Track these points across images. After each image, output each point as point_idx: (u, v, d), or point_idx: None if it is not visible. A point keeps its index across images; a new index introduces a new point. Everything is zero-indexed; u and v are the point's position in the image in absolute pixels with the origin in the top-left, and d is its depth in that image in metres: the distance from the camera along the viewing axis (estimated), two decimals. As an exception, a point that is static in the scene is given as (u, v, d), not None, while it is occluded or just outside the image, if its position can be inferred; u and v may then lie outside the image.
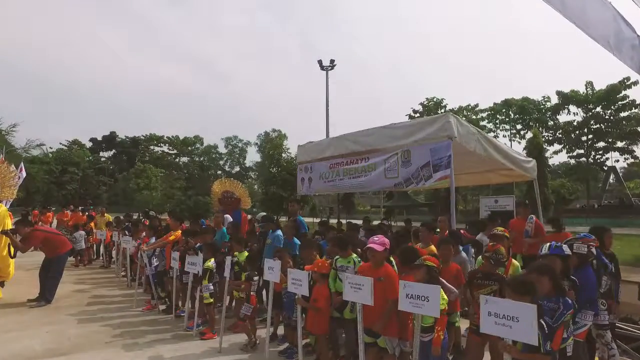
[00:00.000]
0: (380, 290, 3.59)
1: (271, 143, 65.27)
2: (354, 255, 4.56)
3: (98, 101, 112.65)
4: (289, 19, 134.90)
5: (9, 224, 7.77)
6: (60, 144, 62.55)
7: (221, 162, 73.36)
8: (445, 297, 3.38)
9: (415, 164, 8.18)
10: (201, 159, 72.47)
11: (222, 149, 72.86)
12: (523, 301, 2.60)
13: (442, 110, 35.73)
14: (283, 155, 33.40)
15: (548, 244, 3.60)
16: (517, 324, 2.51)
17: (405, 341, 3.71)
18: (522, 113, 44.00)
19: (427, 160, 8.00)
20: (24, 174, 17.71)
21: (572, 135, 41.87)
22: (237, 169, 71.44)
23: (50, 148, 56.52)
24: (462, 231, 7.28)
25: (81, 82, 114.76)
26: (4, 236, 7.38)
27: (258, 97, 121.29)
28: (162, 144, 73.10)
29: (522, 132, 44.60)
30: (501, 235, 4.91)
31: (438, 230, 6.39)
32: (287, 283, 4.34)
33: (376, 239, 3.90)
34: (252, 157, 75.70)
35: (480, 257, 4.88)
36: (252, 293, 5.01)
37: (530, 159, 12.06)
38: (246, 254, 5.40)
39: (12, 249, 7.51)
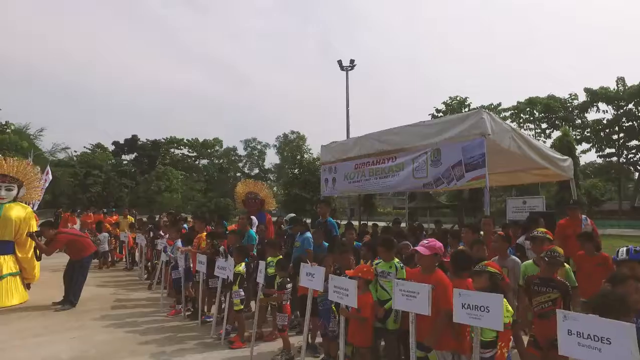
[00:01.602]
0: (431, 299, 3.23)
1: (290, 145, 65.58)
2: (396, 260, 4.21)
3: (120, 105, 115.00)
4: (307, 19, 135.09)
5: (34, 226, 7.70)
6: (84, 147, 63.99)
7: (240, 165, 73.79)
8: (511, 308, 3.00)
9: (446, 163, 7.88)
10: (220, 161, 73.02)
11: (241, 151, 73.38)
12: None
13: (466, 109, 34.90)
14: (305, 156, 33.12)
15: (625, 248, 3.18)
16: (609, 347, 2.08)
17: (461, 356, 3.33)
18: (547, 112, 42.60)
19: (458, 159, 7.69)
20: (50, 177, 17.96)
21: (602, 134, 40.34)
22: (256, 171, 71.73)
23: (75, 152, 57.93)
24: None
25: (103, 87, 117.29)
26: (30, 239, 7.31)
27: (277, 98, 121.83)
28: (182, 147, 73.91)
29: (547, 131, 43.27)
30: (542, 237, 4.41)
31: (482, 232, 5.98)
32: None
33: (425, 242, 3.55)
34: (271, 159, 75.94)
35: (526, 262, 4.46)
36: (284, 302, 4.69)
37: (566, 157, 11.47)
38: (281, 257, 5.10)
39: (37, 252, 7.43)
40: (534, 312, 3.52)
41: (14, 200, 7.60)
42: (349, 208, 33.41)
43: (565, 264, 4.20)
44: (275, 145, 70.15)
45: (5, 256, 7.28)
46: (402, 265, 4.14)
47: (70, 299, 6.99)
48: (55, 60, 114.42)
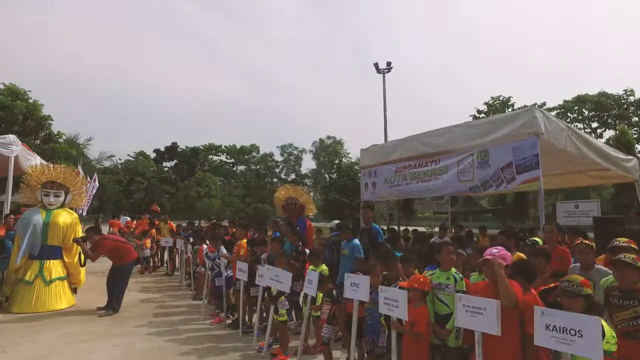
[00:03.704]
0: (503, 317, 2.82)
1: (326, 150, 65.43)
2: (454, 270, 3.81)
3: (161, 114, 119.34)
4: (339, 24, 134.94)
5: (80, 232, 7.86)
6: (128, 155, 66.70)
7: (277, 170, 74.45)
8: (615, 334, 2.54)
9: (495, 165, 7.44)
10: (257, 167, 74.00)
11: (278, 157, 74.03)
12: None
13: (510, 109, 33.42)
14: (343, 160, 32.85)
15: None
16: None
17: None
18: (598, 110, 40.00)
19: (508, 160, 7.24)
20: (97, 184, 18.65)
21: (664, 132, 37.30)
22: (292, 176, 72.11)
23: (120, 159, 60.45)
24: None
25: (146, 97, 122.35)
26: (75, 244, 7.44)
27: (312, 104, 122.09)
28: (220, 153, 75.56)
29: (598, 131, 40.66)
30: (626, 247, 3.79)
31: (541, 241, 5.44)
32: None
33: (495, 251, 3.14)
34: (308, 164, 76.09)
35: (608, 277, 3.89)
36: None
37: (631, 157, 10.55)
38: (324, 267, 4.81)
39: (82, 258, 7.54)
40: (617, 330, 3.04)
41: (62, 206, 7.79)
42: (388, 213, 32.71)
43: None
44: (312, 151, 70.40)
45: (54, 261, 7.44)
46: (461, 276, 3.74)
47: (114, 305, 7.03)
48: (103, 75, 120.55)
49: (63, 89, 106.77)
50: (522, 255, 4.46)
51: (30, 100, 23.99)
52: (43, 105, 24.82)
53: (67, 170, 7.99)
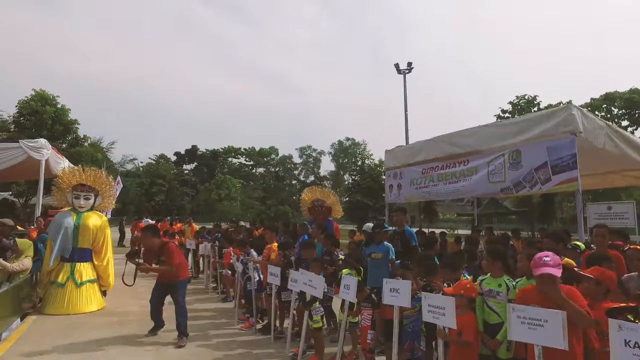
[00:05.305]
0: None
1: (345, 152, 65.18)
2: (506, 276, 3.57)
3: (181, 118, 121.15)
4: (355, 25, 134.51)
5: (109, 234, 7.90)
6: (149, 158, 67.82)
7: (296, 172, 74.62)
8: None
9: (528, 165, 7.20)
10: (276, 169, 74.28)
11: (297, 159, 74.19)
12: None
13: (535, 109, 32.54)
14: (366, 161, 32.64)
15: None
16: None
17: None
18: (629, 107, 38.52)
19: (543, 160, 6.99)
20: (120, 186, 18.97)
21: None
22: (311, 178, 72.12)
23: (141, 162, 61.54)
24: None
25: (166, 101, 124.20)
26: (104, 249, 7.48)
27: (330, 105, 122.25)
28: (239, 156, 76.14)
29: (629, 129, 39.17)
30: None
31: (583, 245, 5.17)
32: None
33: (547, 259, 2.87)
34: (326, 166, 76.03)
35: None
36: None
37: (677, 156, 10.06)
38: (360, 268, 4.67)
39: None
40: None
41: (91, 209, 7.85)
42: (409, 215, 32.28)
43: None
44: (330, 153, 70.31)
45: (84, 263, 7.48)
46: (514, 283, 3.51)
47: (184, 330, 5.76)
48: (125, 81, 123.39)
49: (84, 92, 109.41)
50: (571, 261, 4.22)
51: (59, 105, 24.54)
52: (70, 109, 25.37)
53: (97, 173, 8.04)
